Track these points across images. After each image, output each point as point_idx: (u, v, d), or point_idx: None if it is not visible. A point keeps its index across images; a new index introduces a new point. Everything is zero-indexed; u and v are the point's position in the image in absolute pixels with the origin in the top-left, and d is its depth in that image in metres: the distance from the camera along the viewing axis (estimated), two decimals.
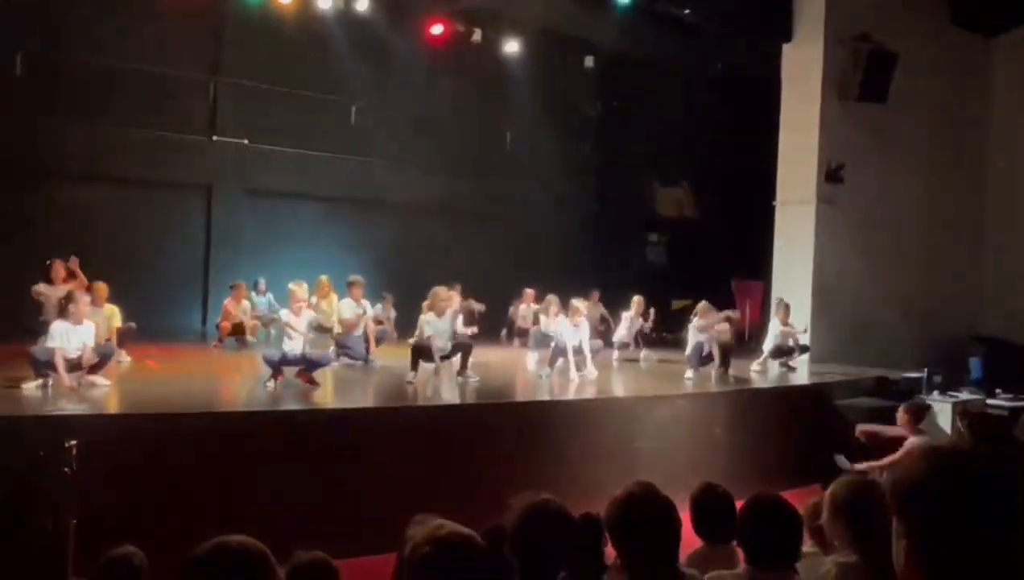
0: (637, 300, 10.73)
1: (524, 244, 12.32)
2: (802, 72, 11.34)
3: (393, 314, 11.64)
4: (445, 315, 7.83)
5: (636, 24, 11.52)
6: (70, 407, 5.67)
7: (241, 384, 7.69)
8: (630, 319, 10.64)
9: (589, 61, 13.94)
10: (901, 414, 6.29)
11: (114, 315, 8.19)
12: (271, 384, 6.83)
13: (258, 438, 5.45)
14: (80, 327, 6.45)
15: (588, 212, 14.72)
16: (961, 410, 7.94)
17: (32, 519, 4.22)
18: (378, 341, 8.96)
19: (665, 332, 12.99)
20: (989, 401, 8.42)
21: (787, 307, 9.88)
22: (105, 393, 6.30)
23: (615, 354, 10.51)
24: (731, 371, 8.88)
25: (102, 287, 8.03)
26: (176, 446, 5.08)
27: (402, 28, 12.41)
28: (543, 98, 13.96)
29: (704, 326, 8.88)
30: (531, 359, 9.64)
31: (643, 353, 10.61)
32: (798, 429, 7.88)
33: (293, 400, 6.58)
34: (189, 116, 12.62)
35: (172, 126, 12.34)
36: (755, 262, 10.51)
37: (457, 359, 7.93)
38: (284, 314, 7.26)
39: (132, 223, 11.83)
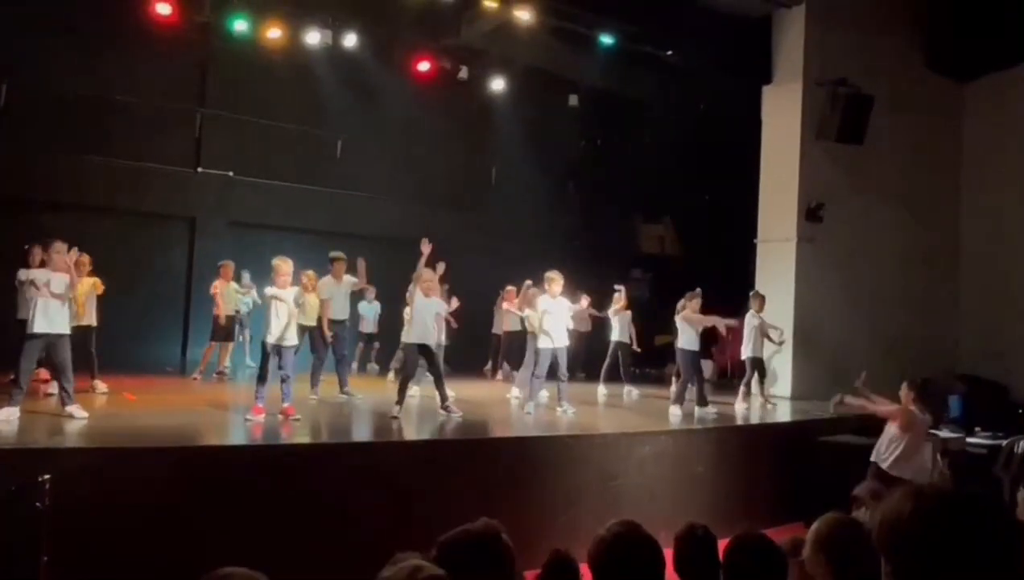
0: (619, 295, 10.74)
1: (506, 279, 12.33)
2: (782, 113, 11.59)
3: (378, 307, 11.63)
4: (430, 296, 7.78)
5: (619, 63, 11.75)
6: (44, 440, 5.57)
7: (220, 417, 7.59)
8: (617, 313, 10.64)
9: (573, 99, 14.16)
10: (905, 390, 6.47)
11: (96, 286, 8.19)
12: (251, 417, 6.76)
13: (236, 473, 5.37)
14: (60, 275, 6.38)
15: (572, 248, 14.80)
16: (941, 448, 7.97)
17: (2, 555, 4.12)
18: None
19: (648, 367, 13.00)
20: (969, 439, 8.45)
21: (762, 298, 10.02)
22: (81, 426, 6.19)
23: (600, 389, 10.51)
24: (711, 407, 8.86)
25: (85, 259, 7.98)
26: (153, 481, 4.98)
27: (389, 65, 12.55)
28: (528, 135, 14.12)
29: (690, 318, 8.90)
30: (514, 394, 9.60)
31: (626, 388, 10.61)
32: (780, 467, 7.88)
33: (272, 435, 6.50)
34: (174, 148, 12.64)
35: (157, 158, 12.36)
36: (737, 299, 10.60)
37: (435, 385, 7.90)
38: (270, 289, 7.12)
39: (115, 254, 11.72)
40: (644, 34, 11.14)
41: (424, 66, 12.59)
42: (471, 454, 6.45)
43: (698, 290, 9.15)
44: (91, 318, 8.20)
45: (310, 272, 9.02)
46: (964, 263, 13.16)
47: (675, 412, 8.62)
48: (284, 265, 7.17)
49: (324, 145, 13.44)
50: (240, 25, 11.24)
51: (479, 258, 13.46)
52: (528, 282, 9.75)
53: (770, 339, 10.18)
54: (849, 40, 11.46)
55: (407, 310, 8.30)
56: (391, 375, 10.65)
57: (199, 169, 12.86)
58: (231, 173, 12.90)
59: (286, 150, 13.20)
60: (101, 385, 8.05)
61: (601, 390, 10.51)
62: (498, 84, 13.24)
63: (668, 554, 2.58)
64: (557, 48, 11.55)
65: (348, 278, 8.90)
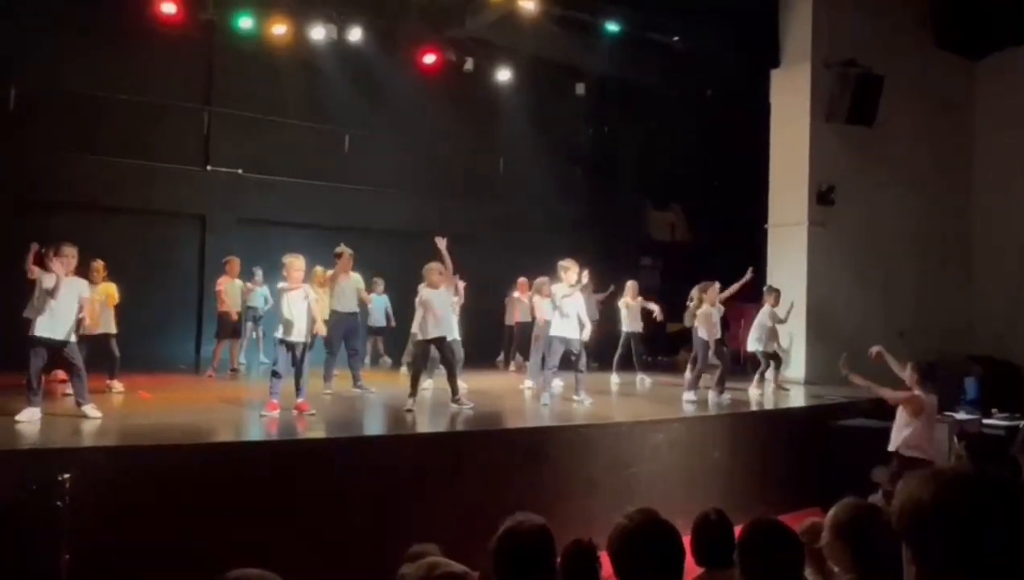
0: (631, 285, 10.69)
1: (517, 270, 12.35)
2: (791, 96, 11.49)
3: (387, 300, 11.65)
4: (440, 288, 7.77)
5: (626, 50, 11.68)
6: (63, 440, 5.62)
7: (235, 414, 7.64)
8: (628, 306, 10.62)
9: (580, 87, 14.10)
10: (910, 372, 6.34)
11: (112, 293, 8.18)
12: (266, 413, 6.79)
13: (253, 469, 5.40)
14: (69, 280, 6.37)
15: (581, 237, 14.80)
16: (958, 430, 7.92)
17: (23, 554, 4.17)
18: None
19: (661, 355, 12.97)
20: (985, 421, 8.40)
21: (777, 292, 9.99)
22: (98, 425, 6.24)
23: (613, 378, 10.50)
24: (725, 394, 8.85)
25: (99, 265, 8.00)
26: (170, 478, 5.02)
27: (395, 58, 12.53)
28: (535, 124, 14.07)
29: (708, 304, 8.86)
30: (527, 385, 9.60)
31: (639, 376, 10.60)
32: (795, 452, 7.86)
33: (288, 430, 6.53)
34: (183, 146, 12.67)
35: (166, 156, 12.40)
36: (748, 285, 10.55)
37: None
38: (283, 285, 7.13)
39: (126, 253, 11.81)
40: (650, 20, 11.08)
41: (430, 58, 12.57)
42: (487, 445, 6.46)
43: (716, 283, 9.11)
44: (109, 326, 8.18)
45: (319, 269, 9.06)
46: (976, 243, 13.04)
47: (689, 399, 8.61)
48: (296, 261, 7.17)
49: (331, 140, 13.44)
50: (245, 22, 11.26)
51: (489, 249, 13.45)
52: (542, 280, 9.66)
53: (781, 321, 10.10)
54: (857, 20, 11.34)
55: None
56: (403, 368, 10.69)
57: (208, 167, 12.90)
58: (240, 171, 12.94)
59: (294, 146, 13.21)
60: (117, 385, 8.11)
61: (614, 379, 10.51)
62: (504, 75, 13.19)
63: (685, 541, 2.57)
64: (563, 37, 11.49)
65: (355, 275, 8.90)
